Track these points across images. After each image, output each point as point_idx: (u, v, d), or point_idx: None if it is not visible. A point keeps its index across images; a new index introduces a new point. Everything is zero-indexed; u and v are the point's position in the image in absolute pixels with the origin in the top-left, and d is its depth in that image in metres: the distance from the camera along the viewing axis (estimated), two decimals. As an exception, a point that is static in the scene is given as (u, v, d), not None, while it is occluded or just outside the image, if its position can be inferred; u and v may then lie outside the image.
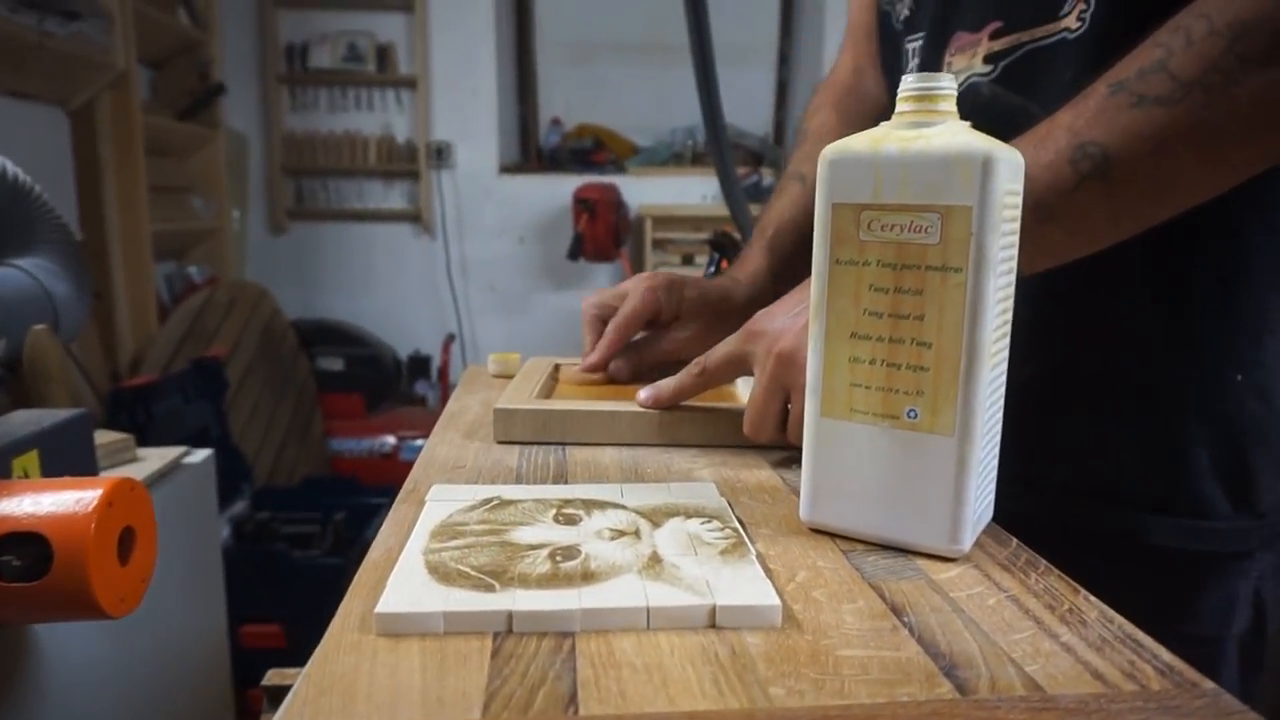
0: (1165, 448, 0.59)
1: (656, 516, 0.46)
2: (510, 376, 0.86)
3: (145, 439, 1.84)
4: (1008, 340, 0.44)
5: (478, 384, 0.85)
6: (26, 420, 0.65)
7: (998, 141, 0.41)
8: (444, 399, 3.07)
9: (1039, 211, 0.50)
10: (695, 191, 3.27)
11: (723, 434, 0.62)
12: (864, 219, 0.43)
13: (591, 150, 3.42)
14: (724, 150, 1.93)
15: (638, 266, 3.29)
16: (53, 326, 0.99)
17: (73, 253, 1.05)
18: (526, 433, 0.63)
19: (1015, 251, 0.43)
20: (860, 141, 0.44)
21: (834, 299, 0.45)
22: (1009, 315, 0.44)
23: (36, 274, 0.97)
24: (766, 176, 3.31)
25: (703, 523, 0.45)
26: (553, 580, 0.37)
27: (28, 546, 0.52)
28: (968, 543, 0.43)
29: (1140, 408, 0.59)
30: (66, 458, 0.66)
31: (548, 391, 0.74)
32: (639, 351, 0.72)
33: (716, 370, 0.59)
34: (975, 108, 0.62)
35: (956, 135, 0.41)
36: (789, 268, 0.78)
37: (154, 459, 0.93)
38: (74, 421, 0.68)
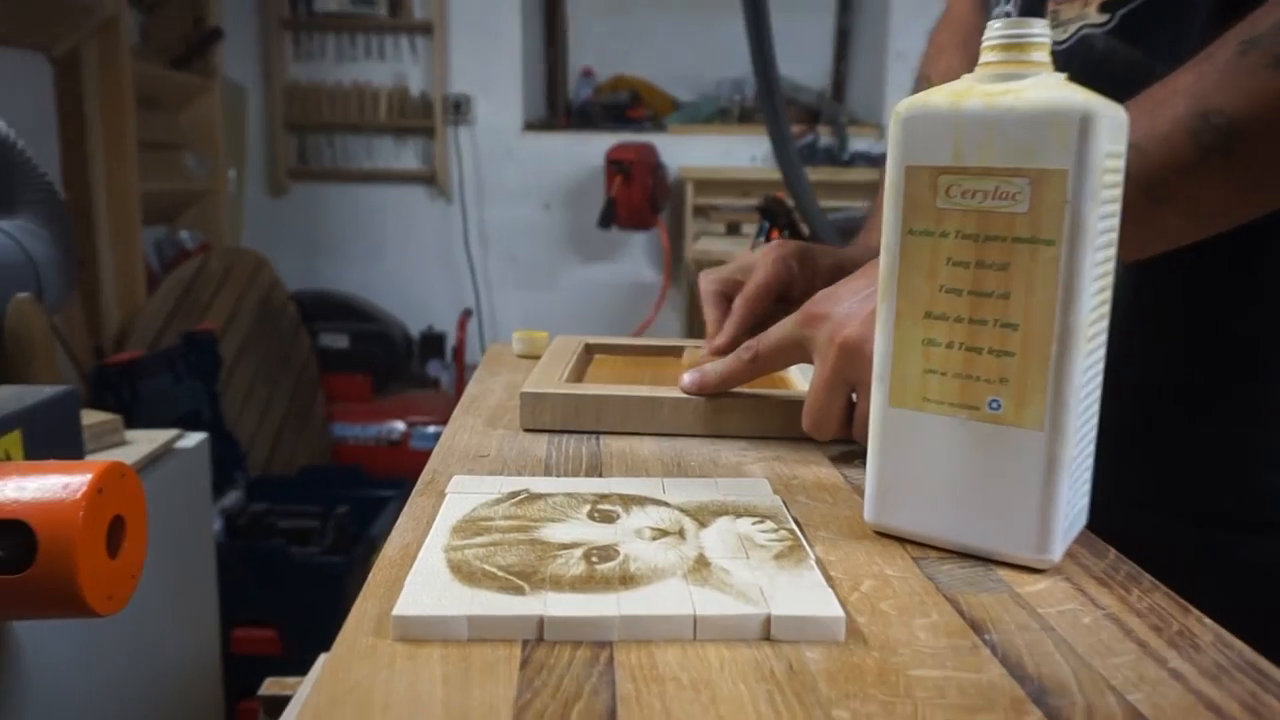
0: (1253, 465, 0.58)
1: (703, 515, 0.46)
2: (536, 356, 0.87)
3: (131, 420, 1.88)
4: (1106, 322, 0.44)
5: (501, 364, 0.86)
6: (8, 398, 0.67)
7: (1098, 95, 0.40)
8: (459, 382, 3.10)
9: (1152, 191, 0.49)
10: (743, 152, 3.25)
11: (775, 425, 0.62)
12: (942, 184, 0.43)
13: (627, 105, 3.42)
14: (777, 105, 1.91)
15: (676, 235, 3.29)
16: (36, 295, 1.01)
17: (59, 214, 1.07)
18: (556, 420, 0.64)
19: (1116, 222, 0.43)
20: (939, 96, 0.43)
21: (906, 275, 0.44)
22: (1108, 294, 0.43)
23: (18, 236, 0.99)
24: (824, 136, 3.28)
25: (755, 523, 0.45)
26: (588, 583, 0.38)
27: (10, 535, 0.53)
28: (1058, 552, 0.43)
29: (1225, 426, 0.58)
30: (51, 439, 0.68)
31: (579, 374, 0.75)
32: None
33: (770, 356, 0.59)
34: (1088, 64, 0.60)
35: (1050, 89, 0.41)
36: None
37: (143, 442, 0.95)
38: (60, 400, 0.70)
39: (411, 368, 3.26)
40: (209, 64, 2.82)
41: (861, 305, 0.54)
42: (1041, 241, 0.41)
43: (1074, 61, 0.62)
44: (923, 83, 0.85)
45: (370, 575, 0.41)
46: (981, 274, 0.42)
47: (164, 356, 2.06)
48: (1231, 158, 0.48)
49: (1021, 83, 0.42)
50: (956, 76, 0.83)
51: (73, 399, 0.72)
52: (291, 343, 2.95)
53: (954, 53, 0.83)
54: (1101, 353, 0.44)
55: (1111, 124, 0.40)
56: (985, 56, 0.43)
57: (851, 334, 0.53)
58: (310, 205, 3.37)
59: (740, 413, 0.62)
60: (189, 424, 2.12)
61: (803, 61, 3.45)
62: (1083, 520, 0.47)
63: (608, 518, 0.46)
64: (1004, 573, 0.42)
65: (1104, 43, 0.60)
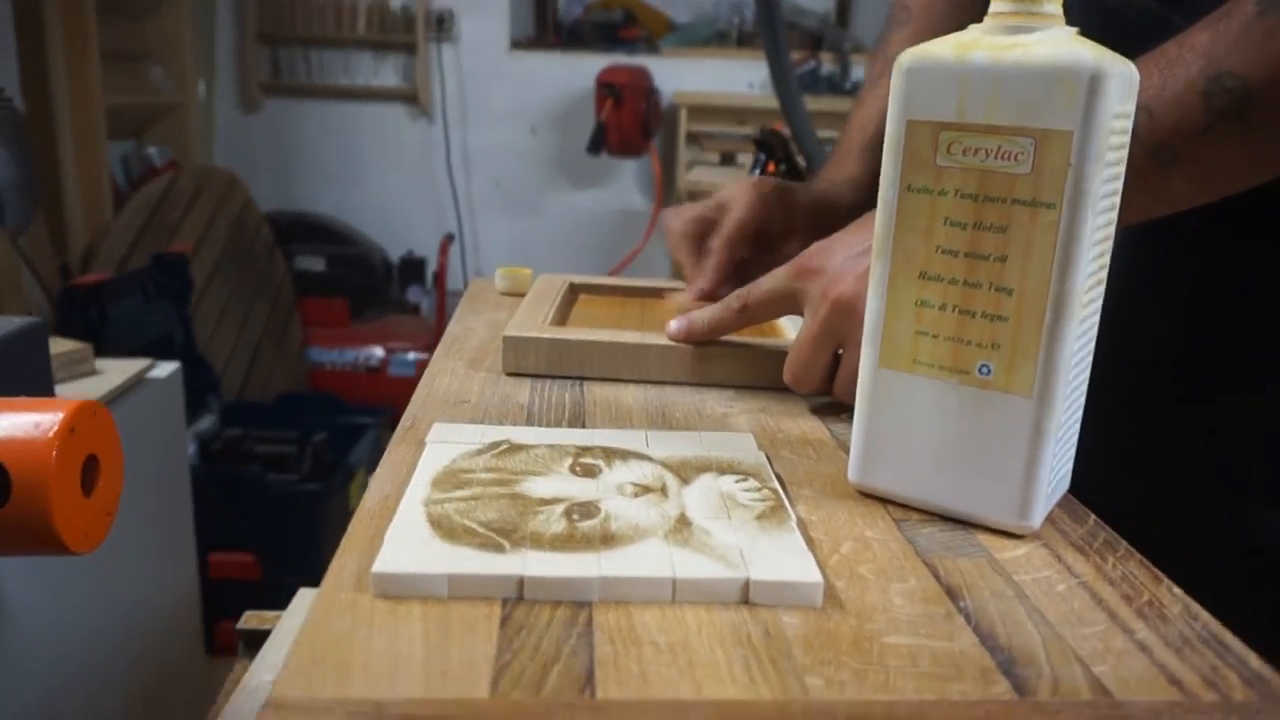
0: None
1: (685, 471, 0.47)
2: (520, 294, 0.87)
3: (100, 344, 1.87)
4: (1102, 288, 0.44)
5: (483, 302, 0.86)
6: (-25, 328, 0.67)
7: (1109, 52, 0.40)
8: (440, 308, 3.09)
9: (1160, 155, 0.49)
10: (740, 78, 3.20)
11: (762, 375, 0.63)
12: (943, 141, 0.43)
13: (620, 24, 3.35)
14: (777, 29, 1.88)
15: (668, 163, 3.26)
16: (-1, 217, 1.00)
17: (17, 131, 1.05)
18: (539, 364, 0.64)
19: (1119, 186, 0.43)
20: (944, 47, 0.43)
21: (902, 233, 0.44)
22: (1105, 260, 0.43)
23: (-21, 155, 0.98)
24: (826, 63, 3.23)
25: (738, 480, 0.46)
26: (569, 542, 0.39)
27: (-17, 473, 0.53)
28: (1039, 518, 0.44)
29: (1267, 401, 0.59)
30: (19, 373, 0.68)
31: (563, 316, 0.75)
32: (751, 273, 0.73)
33: (760, 307, 0.59)
34: (1103, 16, 0.60)
35: (1061, 45, 0.40)
36: None
37: (114, 372, 0.95)
38: (27, 331, 0.69)
39: (390, 293, 3.25)
40: (177, -33, 2.73)
41: (856, 262, 0.54)
42: (1042, 204, 0.41)
43: (1089, 13, 0.61)
44: (902, 12, 0.85)
45: (350, 527, 0.41)
46: (979, 235, 0.43)
47: (133, 278, 2.04)
48: (1243, 122, 0.48)
49: (1031, 36, 0.41)
50: (938, 13, 0.82)
51: (41, 330, 0.71)
52: (266, 265, 2.93)
53: None
54: (1095, 320, 0.44)
55: (1121, 84, 0.40)
56: (995, 5, 0.43)
57: (845, 290, 0.53)
58: (284, 122, 3.31)
59: (727, 361, 0.63)
60: (160, 348, 2.12)
61: (804, -19, 3.38)
62: (1065, 485, 0.48)
63: (590, 471, 0.46)
64: (984, 538, 0.43)
65: None
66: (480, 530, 0.39)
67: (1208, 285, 0.61)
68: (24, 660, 0.94)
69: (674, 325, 0.63)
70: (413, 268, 3.22)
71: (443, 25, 3.22)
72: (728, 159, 2.52)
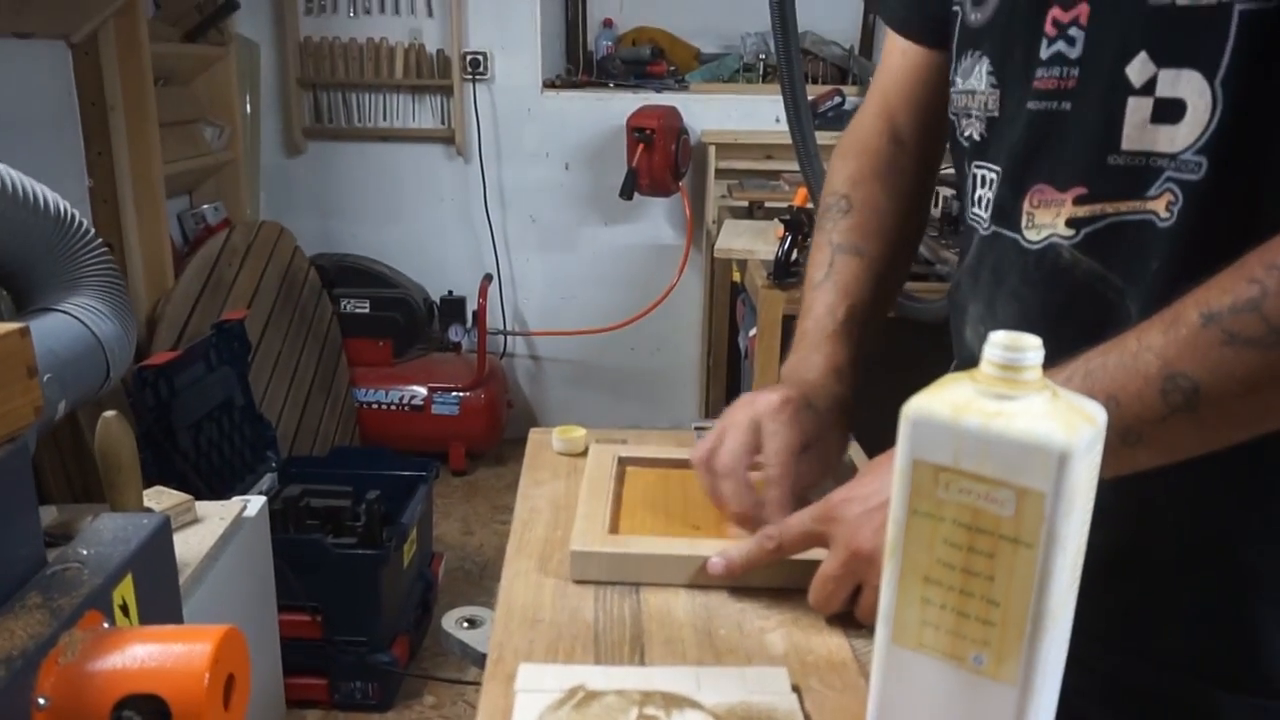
0: (1239, 626, 0.68)
1: (732, 723, 0.57)
2: (576, 454, 0.97)
3: (170, 415, 1.99)
4: (1075, 595, 0.53)
5: (543, 466, 0.96)
6: (115, 537, 0.78)
7: (1078, 425, 0.49)
8: (481, 347, 3.20)
9: (1127, 436, 0.58)
10: (767, 113, 3.27)
11: (794, 579, 0.73)
12: (942, 479, 0.52)
13: (648, 61, 3.43)
14: (793, 61, 1.92)
15: (698, 201, 3.34)
16: (104, 373, 1.12)
17: (117, 285, 1.16)
18: (602, 573, 0.74)
19: (1086, 529, 0.52)
20: (942, 405, 0.52)
21: (910, 545, 0.54)
22: (1077, 579, 0.53)
23: (84, 319, 1.09)
24: (851, 96, 3.29)
25: (775, 735, 0.56)
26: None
27: (146, 702, 0.65)
28: (1025, 776, 0.53)
29: (1211, 584, 0.68)
30: (153, 573, 0.79)
31: (617, 500, 0.85)
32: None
33: (792, 547, 0.69)
34: (1054, 270, 0.69)
35: (1036, 419, 0.49)
36: (864, 354, 0.86)
37: (214, 518, 1.07)
38: (158, 533, 0.80)
39: (432, 331, 3.36)
40: (223, 31, 2.85)
41: (871, 517, 0.64)
42: (1023, 544, 0.50)
43: (1043, 264, 0.70)
44: (842, 201, 0.90)
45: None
46: (972, 557, 0.52)
47: (197, 350, 2.17)
48: (1196, 414, 0.57)
49: (1014, 404, 0.50)
50: (881, 209, 0.91)
51: (166, 529, 0.82)
52: (313, 310, 3.05)
53: (874, 184, 0.90)
54: (1069, 621, 0.53)
55: (1087, 456, 0.49)
56: (985, 368, 0.52)
57: (864, 545, 0.63)
58: (326, 164, 3.42)
59: (763, 571, 0.73)
60: (223, 412, 2.24)
61: (831, 15, 3.44)
62: (1052, 729, 0.57)
63: (653, 727, 0.57)
64: (980, 802, 0.53)
65: (1069, 254, 0.68)
66: (572, 816, 0.49)
67: (1157, 499, 0.68)
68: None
69: (715, 564, 0.71)
70: (453, 307, 3.33)
71: (477, 67, 3.31)
72: (755, 207, 2.60)
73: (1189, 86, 0.61)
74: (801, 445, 0.77)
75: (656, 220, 3.46)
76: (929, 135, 0.92)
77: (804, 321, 0.87)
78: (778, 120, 3.26)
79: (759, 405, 0.78)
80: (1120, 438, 0.58)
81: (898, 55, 0.91)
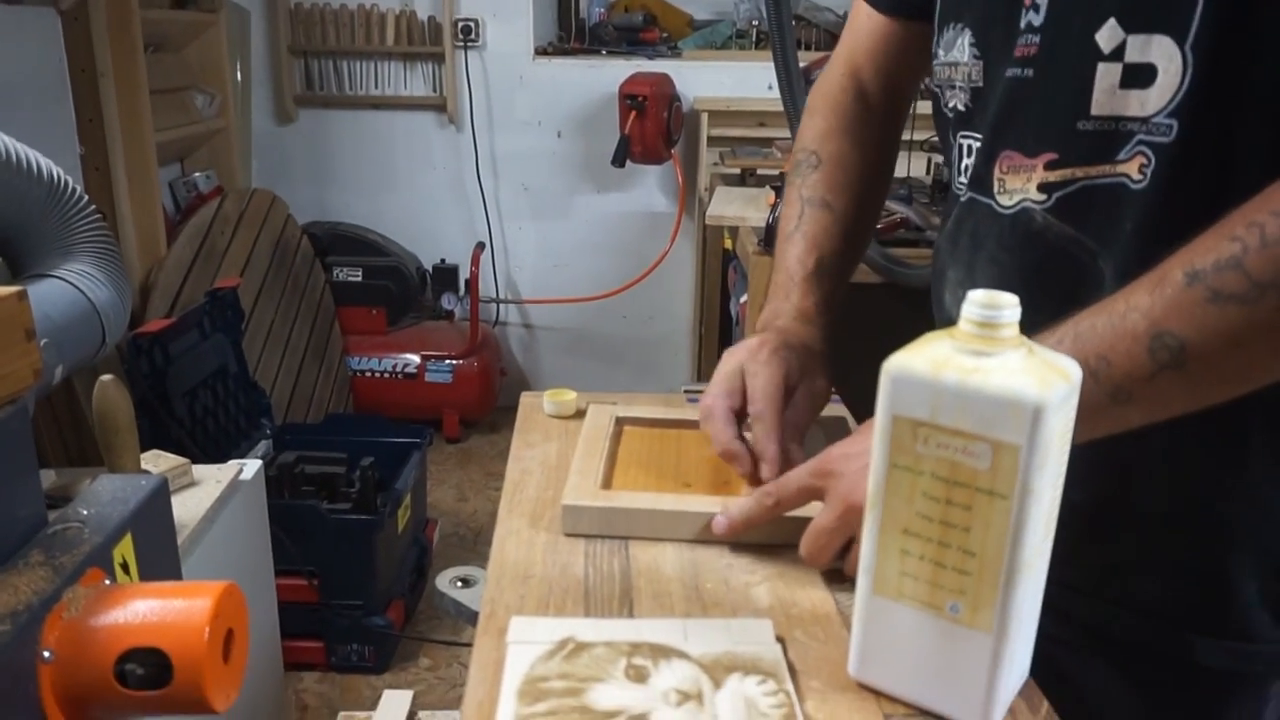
0: (1215, 576, 0.70)
1: (717, 672, 0.59)
2: (567, 416, 0.99)
3: (165, 382, 2.00)
4: (1050, 546, 0.55)
5: (534, 428, 0.97)
6: (114, 498, 0.79)
7: (1052, 380, 0.51)
8: (474, 314, 3.21)
9: (1118, 395, 0.59)
10: (760, 80, 3.25)
11: (780, 535, 0.74)
12: (920, 434, 0.54)
13: (641, 27, 3.41)
14: (785, 30, 1.92)
15: (690, 169, 3.33)
16: (100, 338, 1.12)
17: (111, 251, 1.17)
18: (593, 527, 0.76)
19: (1061, 478, 0.53)
20: (921, 362, 0.53)
21: (889, 498, 0.55)
22: (1051, 530, 0.54)
23: (79, 284, 1.10)
24: (844, 63, 3.27)
25: (759, 682, 0.58)
26: (630, 771, 0.50)
27: (148, 655, 0.66)
28: (999, 718, 0.55)
29: (1191, 539, 0.70)
30: (152, 533, 0.80)
31: (612, 457, 0.86)
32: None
33: (790, 502, 0.70)
34: (1028, 233, 0.71)
35: (1012, 374, 0.51)
36: (835, 303, 0.88)
37: (210, 481, 1.08)
38: (156, 493, 0.82)
39: (425, 300, 3.36)
40: (213, -3, 2.83)
41: (869, 471, 0.65)
42: (998, 495, 0.52)
43: (1016, 227, 0.72)
44: (812, 157, 0.92)
45: (459, 747, 0.53)
46: (949, 509, 0.54)
47: (191, 317, 2.18)
48: (1183, 370, 0.58)
49: (990, 360, 0.52)
50: (850, 162, 0.93)
51: (164, 490, 0.84)
52: (306, 279, 3.05)
53: (842, 139, 0.92)
54: (1044, 571, 0.55)
55: (1061, 409, 0.51)
56: (963, 325, 0.53)
57: (859, 499, 0.64)
58: (318, 132, 3.41)
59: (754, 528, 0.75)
60: (217, 379, 2.25)
61: (824, -19, 3.42)
62: (1024, 675, 0.59)
63: (641, 675, 0.58)
64: (955, 741, 0.55)
65: (1041, 218, 0.70)
66: (562, 758, 0.51)
67: (1136, 457, 0.70)
68: None
69: (719, 524, 0.73)
70: (446, 275, 3.33)
71: (469, 34, 3.29)
72: (748, 175, 2.60)
73: (1159, 51, 0.62)
74: (783, 380, 0.78)
75: (649, 188, 3.45)
76: (893, 97, 0.95)
77: (776, 274, 0.90)
78: (770, 87, 3.24)
79: (739, 352, 0.81)
80: (1111, 397, 0.60)
81: (864, 18, 0.93)
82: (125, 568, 0.77)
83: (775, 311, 0.87)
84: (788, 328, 0.84)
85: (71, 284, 1.08)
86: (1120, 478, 0.71)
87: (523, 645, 0.61)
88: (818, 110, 0.95)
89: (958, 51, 0.77)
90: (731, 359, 0.81)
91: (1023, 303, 0.52)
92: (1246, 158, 0.61)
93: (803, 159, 0.93)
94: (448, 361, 3.19)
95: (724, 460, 0.77)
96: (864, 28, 0.93)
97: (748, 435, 0.78)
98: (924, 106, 0.94)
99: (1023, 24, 0.69)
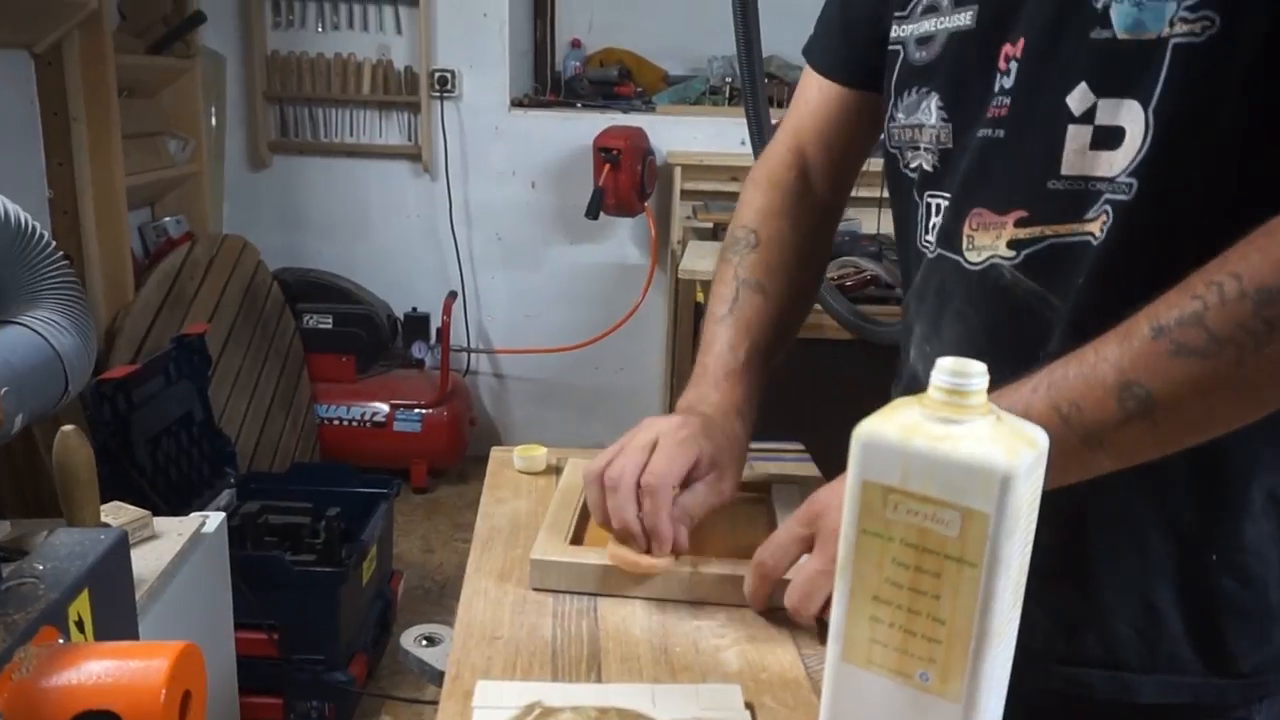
0: (1146, 613, 0.72)
1: (686, 739, 0.58)
2: (537, 473, 0.98)
3: (128, 429, 1.97)
4: (1018, 612, 0.55)
5: (504, 484, 0.96)
6: (71, 552, 0.77)
7: (1020, 449, 0.51)
8: (444, 364, 3.20)
9: (1089, 441, 0.61)
10: (733, 135, 3.30)
11: (744, 599, 0.74)
12: (890, 500, 0.54)
13: (616, 81, 3.45)
14: (757, 86, 1.95)
15: (663, 222, 3.37)
16: (63, 386, 1.11)
17: (77, 298, 1.16)
18: (561, 583, 0.75)
19: (1029, 549, 0.54)
20: (892, 428, 0.54)
21: (859, 563, 0.55)
22: (1020, 596, 0.55)
23: (43, 331, 1.08)
24: (815, 121, 3.33)
25: (728, 750, 0.57)
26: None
27: (101, 718, 0.64)
28: (969, 789, 0.55)
29: (1127, 581, 0.72)
30: (110, 589, 0.79)
31: (585, 514, 0.86)
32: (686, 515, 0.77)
33: (779, 563, 0.71)
34: (995, 289, 0.73)
35: (980, 442, 0.51)
36: (762, 395, 0.87)
37: (172, 534, 1.06)
38: (115, 548, 0.80)
39: (395, 348, 3.35)
40: (189, 43, 2.84)
41: None
42: (967, 563, 0.52)
43: (985, 283, 0.73)
44: (751, 236, 0.91)
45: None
46: (918, 576, 0.54)
47: (156, 363, 2.15)
48: (1150, 419, 0.60)
49: (959, 428, 0.52)
50: (787, 244, 0.94)
51: (123, 543, 0.82)
52: (275, 326, 3.03)
53: (781, 220, 0.91)
54: (1013, 639, 0.55)
55: (1029, 478, 0.51)
56: (932, 393, 0.53)
57: None
58: (291, 179, 3.41)
59: (717, 586, 0.75)
60: (181, 427, 2.22)
61: (796, 41, 3.48)
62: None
63: (608, 742, 0.58)
64: (925, 815, 0.54)
65: (1009, 274, 0.72)
66: (526, 831, 0.50)
67: (1075, 507, 0.71)
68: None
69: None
70: (417, 324, 3.32)
71: (445, 85, 3.32)
72: (720, 229, 2.63)
73: (1128, 114, 0.65)
74: (689, 468, 0.76)
75: (621, 240, 3.48)
76: (836, 175, 0.95)
77: (704, 356, 0.88)
78: (743, 143, 3.30)
79: (659, 426, 0.78)
80: (1083, 442, 0.62)
81: (814, 91, 0.93)
82: (80, 625, 0.75)
83: (701, 398, 0.85)
84: (712, 418, 0.82)
85: (34, 330, 1.06)
86: (1063, 526, 0.71)
87: (489, 710, 0.60)
88: (760, 185, 0.94)
89: (923, 114, 0.79)
90: (648, 431, 0.78)
91: (987, 357, 0.53)
92: (1195, 214, 0.64)
93: (741, 236, 0.92)
94: (417, 410, 3.16)
95: (618, 539, 0.75)
96: (813, 100, 0.93)
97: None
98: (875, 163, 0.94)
99: (996, 87, 0.71)
